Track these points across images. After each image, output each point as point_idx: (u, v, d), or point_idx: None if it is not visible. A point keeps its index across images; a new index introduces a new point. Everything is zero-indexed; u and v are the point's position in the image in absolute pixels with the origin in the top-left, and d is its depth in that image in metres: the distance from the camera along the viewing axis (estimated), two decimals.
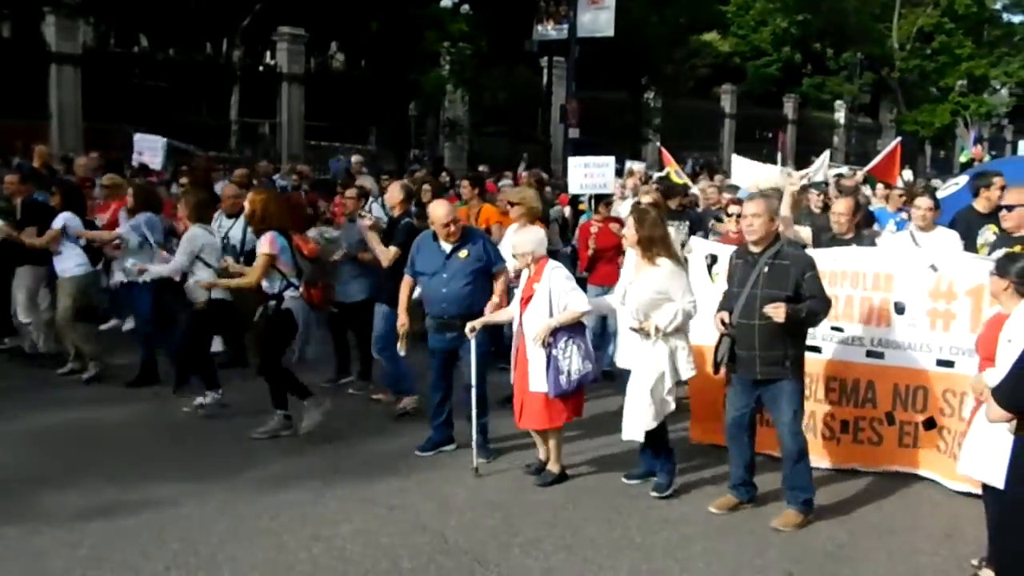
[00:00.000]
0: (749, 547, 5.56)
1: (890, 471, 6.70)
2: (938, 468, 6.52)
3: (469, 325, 6.57)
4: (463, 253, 6.79)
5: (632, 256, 6.42)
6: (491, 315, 6.71)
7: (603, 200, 9.81)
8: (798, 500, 5.90)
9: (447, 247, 6.81)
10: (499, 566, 5.21)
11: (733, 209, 7.94)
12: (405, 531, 5.61)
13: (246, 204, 7.37)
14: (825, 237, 7.50)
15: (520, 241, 6.55)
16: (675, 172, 13.03)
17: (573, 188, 10.73)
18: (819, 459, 6.79)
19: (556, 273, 6.37)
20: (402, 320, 7.11)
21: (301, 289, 7.16)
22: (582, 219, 10.95)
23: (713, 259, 7.12)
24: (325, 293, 7.51)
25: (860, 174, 14.66)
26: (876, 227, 8.85)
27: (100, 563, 5.07)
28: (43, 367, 9.00)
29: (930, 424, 6.56)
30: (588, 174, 10.76)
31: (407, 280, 7.09)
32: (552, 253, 7.29)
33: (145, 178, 11.06)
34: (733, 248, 7.13)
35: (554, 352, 6.22)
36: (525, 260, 6.46)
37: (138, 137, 12.98)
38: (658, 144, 14.77)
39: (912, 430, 6.66)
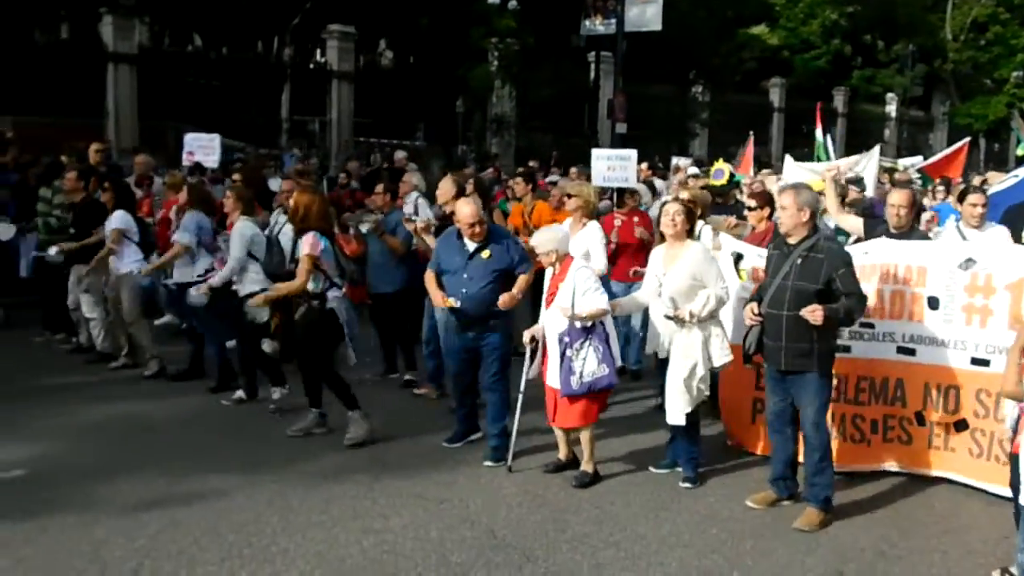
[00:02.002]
0: (799, 545, 5.52)
1: (920, 474, 6.52)
2: (971, 472, 6.30)
3: (527, 334, 6.53)
4: (485, 253, 6.64)
5: (659, 250, 6.56)
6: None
7: (627, 193, 9.60)
8: (819, 498, 5.78)
9: (471, 246, 6.67)
10: (547, 561, 5.23)
11: (751, 203, 7.80)
12: (454, 525, 5.66)
13: (291, 203, 7.28)
14: (879, 231, 7.09)
15: (542, 240, 6.47)
16: (713, 173, 12.92)
17: (596, 180, 10.62)
18: (848, 464, 6.56)
19: (581, 272, 6.32)
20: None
21: (345, 289, 7.12)
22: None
23: (739, 257, 7.06)
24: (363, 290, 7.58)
25: (912, 167, 14.41)
26: (937, 228, 8.56)
27: (157, 554, 5.18)
28: (97, 362, 9.23)
29: (962, 426, 6.32)
30: (611, 167, 10.67)
31: (430, 273, 6.90)
32: None
33: (200, 177, 11.14)
34: (756, 247, 7.09)
35: (568, 352, 6.18)
36: (549, 259, 6.41)
37: (190, 137, 12.83)
38: (748, 141, 14.50)
39: (943, 432, 6.43)
